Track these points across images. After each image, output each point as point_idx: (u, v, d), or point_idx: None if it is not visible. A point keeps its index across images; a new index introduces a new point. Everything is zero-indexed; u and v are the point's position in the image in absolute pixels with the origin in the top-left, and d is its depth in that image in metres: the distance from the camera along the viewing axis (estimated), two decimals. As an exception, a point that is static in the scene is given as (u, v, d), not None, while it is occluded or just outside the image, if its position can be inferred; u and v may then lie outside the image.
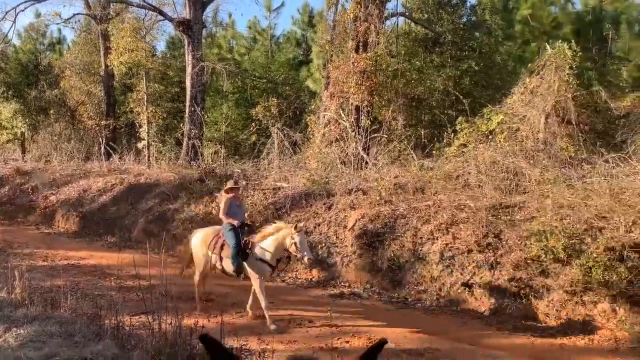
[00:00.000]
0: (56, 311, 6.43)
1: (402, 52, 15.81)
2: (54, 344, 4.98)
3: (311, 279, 10.12)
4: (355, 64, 13.79)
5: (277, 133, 14.71)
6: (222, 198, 8.30)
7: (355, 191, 11.25)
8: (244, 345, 6.46)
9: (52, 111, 23.27)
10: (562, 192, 9.16)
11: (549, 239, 8.10)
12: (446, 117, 13.79)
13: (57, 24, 24.26)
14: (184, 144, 17.78)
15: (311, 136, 14.69)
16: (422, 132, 13.97)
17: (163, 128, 20.64)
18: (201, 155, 16.86)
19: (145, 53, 18.77)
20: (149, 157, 18.55)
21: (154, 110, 19.13)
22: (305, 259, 7.16)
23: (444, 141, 12.42)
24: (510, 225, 8.86)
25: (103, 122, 22.08)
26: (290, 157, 14.26)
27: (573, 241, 7.99)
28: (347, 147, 13.30)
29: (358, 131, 13.74)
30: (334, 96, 14.75)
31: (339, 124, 14.17)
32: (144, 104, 19.07)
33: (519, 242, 8.48)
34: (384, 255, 9.64)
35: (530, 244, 8.29)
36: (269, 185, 12.78)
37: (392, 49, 15.66)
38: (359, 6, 14.09)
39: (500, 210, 9.43)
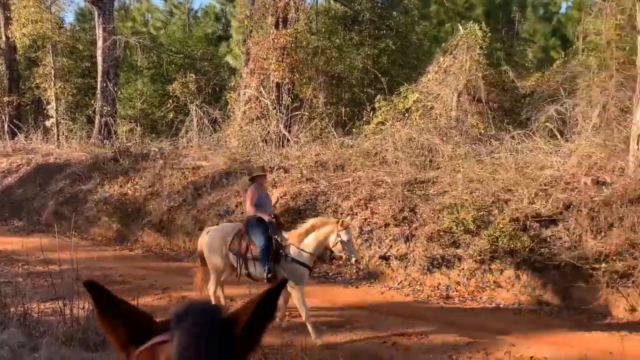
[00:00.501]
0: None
1: (322, 29, 15.81)
2: (-49, 337, 4.64)
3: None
4: (275, 41, 13.63)
5: (195, 110, 14.32)
6: (247, 188, 6.92)
7: (276, 169, 11.23)
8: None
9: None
10: (472, 167, 9.66)
11: (459, 212, 8.54)
12: (365, 95, 14.03)
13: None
14: (96, 121, 16.86)
15: (231, 114, 14.44)
16: (343, 110, 14.13)
17: (73, 105, 19.44)
18: (115, 134, 16.10)
19: (51, 25, 17.50)
20: (58, 136, 17.47)
21: (62, 86, 17.96)
22: (353, 259, 6.26)
23: (363, 119, 12.64)
24: (425, 200, 9.24)
25: (5, 99, 20.44)
26: (210, 135, 13.96)
27: (481, 213, 8.47)
28: (268, 125, 13.20)
29: (279, 109, 13.66)
30: (255, 73, 14.53)
31: (260, 101, 14.00)
32: (52, 79, 17.84)
33: (433, 215, 8.87)
34: (305, 231, 9.73)
35: (443, 216, 8.70)
36: (188, 165, 12.46)
37: (312, 26, 15.62)
38: (278, -19, 13.89)
39: (415, 186, 9.80)
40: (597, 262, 7.62)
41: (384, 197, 9.58)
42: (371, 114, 12.52)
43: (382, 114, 12.30)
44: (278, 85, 14.01)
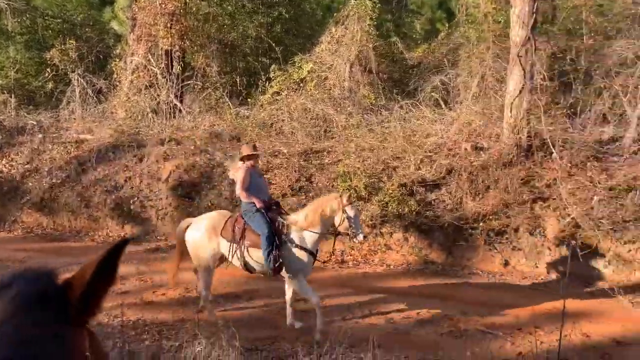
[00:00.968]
0: None
1: (214, -5, 15.24)
2: None
3: (124, 236, 9.64)
4: (163, 6, 12.95)
5: (78, 80, 13.30)
6: (238, 168, 6.06)
7: (168, 141, 10.83)
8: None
9: None
10: (364, 136, 9.98)
11: (352, 179, 8.83)
12: (260, 64, 13.84)
13: None
14: (-39, 92, 15.12)
15: (118, 83, 13.58)
16: (238, 80, 13.83)
17: None
18: (-16, 106, 14.55)
19: None
20: None
21: None
22: (361, 237, 5.73)
23: (259, 89, 12.50)
24: (320, 169, 9.43)
25: None
26: (95, 107, 13.07)
27: (372, 180, 8.82)
28: (158, 95, 12.62)
29: (170, 78, 13.09)
30: (142, 40, 13.74)
31: (149, 70, 13.31)
32: None
33: (328, 184, 9.09)
34: (201, 205, 9.56)
35: (337, 184, 8.94)
36: (70, 138, 11.62)
37: (203, -9, 15.00)
38: (163, -58, 13.11)
39: (311, 155, 9.95)
40: (476, 222, 8.29)
41: (281, 167, 9.63)
42: (266, 83, 12.41)
43: (278, 84, 12.24)
44: (168, 53, 13.38)
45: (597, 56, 10.81)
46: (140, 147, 10.79)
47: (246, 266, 5.73)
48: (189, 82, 13.38)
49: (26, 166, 11.13)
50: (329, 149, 9.94)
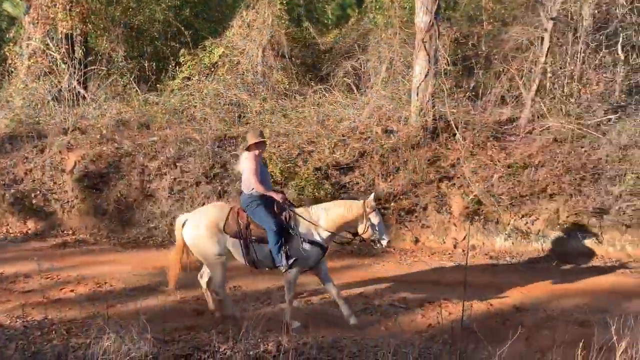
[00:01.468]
0: None
1: (117, -24, 14.48)
2: None
3: (27, 232, 9.08)
4: (61, -14, 12.14)
5: (-36, 66, 12.21)
6: (247, 156, 5.58)
7: (72, 130, 10.24)
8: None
9: None
10: (278, 121, 10.00)
11: (268, 165, 8.82)
12: (169, 49, 13.37)
13: None
14: None
15: (13, 70, 12.61)
16: (146, 65, 13.28)
17: None
18: None
19: None
20: None
21: None
22: (385, 241, 5.58)
23: (168, 74, 12.10)
24: (235, 156, 9.33)
25: None
26: (-13, 95, 12.08)
27: (288, 165, 8.89)
28: (59, 82, 11.86)
29: (72, 63, 12.32)
30: (39, 23, 12.81)
31: (48, 55, 12.46)
32: None
33: (243, 170, 9.01)
34: (109, 196, 9.18)
35: (253, 170, 8.89)
36: (-42, 130, 10.68)
37: (104, -28, 14.21)
38: None
39: (225, 142, 9.83)
40: (388, 202, 8.61)
41: (194, 154, 9.43)
42: (176, 68, 12.03)
43: (188, 69, 11.91)
44: (68, 37, 12.58)
45: (495, 41, 11.49)
46: (41, 138, 10.13)
47: (254, 263, 5.47)
48: (93, 67, 12.69)
49: None
50: (244, 135, 9.84)
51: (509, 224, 8.49)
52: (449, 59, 10.54)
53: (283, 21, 12.01)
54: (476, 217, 8.56)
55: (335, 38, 13.09)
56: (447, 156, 8.95)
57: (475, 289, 6.50)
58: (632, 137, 8.89)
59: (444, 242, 8.52)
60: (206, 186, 9.10)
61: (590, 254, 8.07)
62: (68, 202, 9.36)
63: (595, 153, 8.75)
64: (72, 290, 6.47)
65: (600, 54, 10.11)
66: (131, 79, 12.19)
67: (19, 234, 9.03)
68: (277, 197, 5.41)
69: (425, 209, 8.66)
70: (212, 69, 11.89)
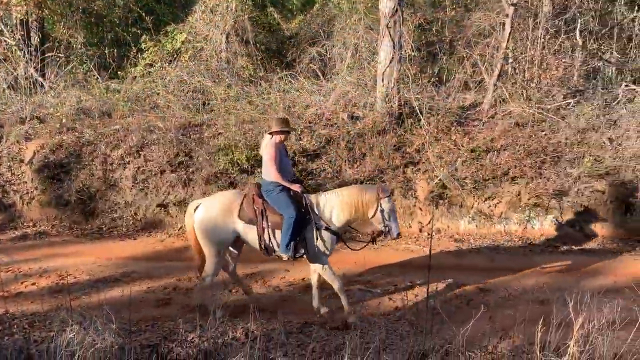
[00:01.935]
0: None
1: (73, -41, 13.99)
2: None
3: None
4: (14, -30, 11.67)
5: None
6: (268, 142, 5.45)
7: (30, 120, 9.92)
8: None
9: None
10: (244, 108, 9.89)
11: (234, 153, 8.76)
12: (130, 35, 13.04)
13: None
14: None
15: (-35, 57, 12.11)
16: (107, 52, 12.94)
17: None
18: None
19: None
20: None
21: None
22: (395, 233, 5.33)
23: (130, 61, 11.81)
24: (200, 143, 9.21)
25: None
26: (-63, 83, 11.56)
27: (254, 153, 8.81)
28: (15, 69, 11.45)
29: (28, 50, 11.90)
30: (-9, 8, 12.32)
31: (2, 41, 12.00)
32: None
33: (209, 158, 8.92)
34: (71, 187, 8.95)
35: (219, 158, 8.81)
36: None
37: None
38: None
39: (189, 129, 9.67)
40: (354, 188, 8.64)
41: (158, 143, 9.26)
42: (138, 55, 11.76)
43: (150, 56, 11.67)
44: (23, 23, 12.14)
45: (458, 27, 11.62)
46: (-4, 128, 9.79)
47: (267, 249, 5.34)
48: (51, 54, 12.29)
49: None
50: (209, 122, 9.73)
51: (472, 207, 8.67)
52: (413, 44, 10.61)
53: (247, 6, 11.85)
54: (441, 201, 8.70)
55: (300, 24, 12.98)
56: (412, 142, 9.04)
57: (441, 271, 6.64)
58: (589, 120, 9.17)
59: (410, 226, 8.64)
60: (171, 175, 8.97)
61: (550, 235, 8.33)
62: (27, 193, 9.09)
63: (555, 137, 9.00)
64: (33, 284, 6.32)
65: (560, 40, 10.36)
66: (91, 66, 11.87)
67: (-25, 228, 8.74)
68: (295, 187, 5.32)
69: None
70: (175, 56, 11.68)
